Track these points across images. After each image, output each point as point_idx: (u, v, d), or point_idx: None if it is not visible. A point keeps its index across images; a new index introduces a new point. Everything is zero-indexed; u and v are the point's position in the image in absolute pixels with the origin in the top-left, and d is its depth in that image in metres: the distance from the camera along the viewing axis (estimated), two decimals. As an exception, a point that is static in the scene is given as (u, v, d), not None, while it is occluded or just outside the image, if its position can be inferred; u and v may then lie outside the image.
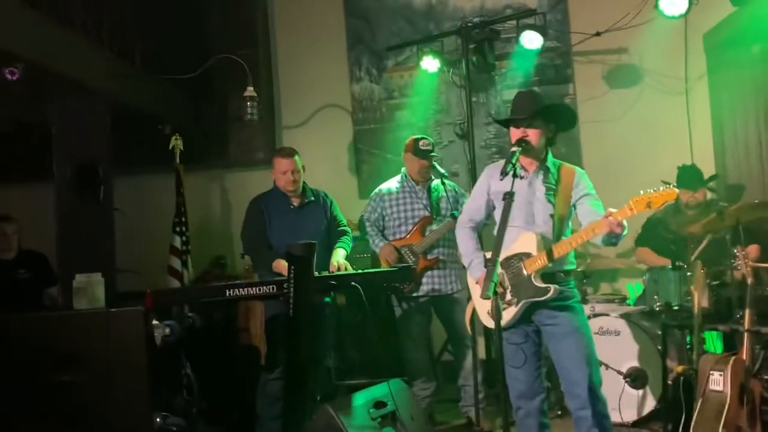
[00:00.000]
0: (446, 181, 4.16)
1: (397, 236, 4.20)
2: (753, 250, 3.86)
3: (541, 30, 4.86)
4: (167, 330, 3.51)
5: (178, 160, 4.94)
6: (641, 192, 2.63)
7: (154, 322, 3.48)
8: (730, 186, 4.95)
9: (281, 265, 3.56)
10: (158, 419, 3.41)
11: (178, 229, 4.94)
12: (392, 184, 4.29)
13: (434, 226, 4.15)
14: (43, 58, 3.73)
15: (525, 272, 2.85)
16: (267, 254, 3.79)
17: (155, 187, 5.34)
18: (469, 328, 3.06)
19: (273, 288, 3.37)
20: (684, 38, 5.04)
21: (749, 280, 3.20)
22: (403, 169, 4.32)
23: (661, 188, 2.59)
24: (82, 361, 3.26)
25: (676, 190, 2.59)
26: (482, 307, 2.95)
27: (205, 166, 5.60)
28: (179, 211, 4.96)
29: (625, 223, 2.68)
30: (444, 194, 4.16)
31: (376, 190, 4.34)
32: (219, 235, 5.64)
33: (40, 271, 4.38)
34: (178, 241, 4.91)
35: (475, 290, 3.03)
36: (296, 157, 3.94)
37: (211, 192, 5.73)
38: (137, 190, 5.30)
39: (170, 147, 4.91)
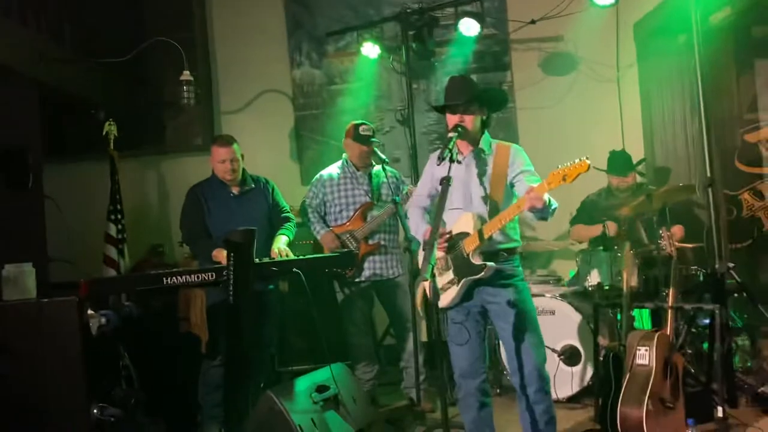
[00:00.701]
0: (387, 168, 4.19)
1: (338, 222, 4.22)
2: (677, 230, 4.06)
3: (479, 17, 4.93)
4: (103, 320, 3.41)
5: (112, 146, 4.80)
6: (558, 167, 2.71)
7: (89, 311, 3.39)
8: (658, 169, 5.17)
9: (221, 255, 3.52)
10: (95, 410, 3.32)
11: (113, 216, 4.82)
12: (333, 170, 4.30)
13: (375, 212, 4.19)
14: (-35, 39, 3.56)
15: (464, 252, 2.91)
16: (206, 243, 3.74)
17: (89, 174, 5.18)
18: (420, 309, 3.10)
19: (212, 275, 3.33)
20: (615, 27, 5.21)
21: (673, 260, 3.37)
22: (344, 155, 4.33)
23: (576, 161, 2.66)
24: (13, 353, 3.15)
25: (588, 161, 2.62)
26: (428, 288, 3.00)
27: (140, 152, 5.45)
28: (114, 199, 4.84)
29: (547, 197, 2.75)
30: (385, 180, 4.19)
31: (317, 175, 4.33)
32: (156, 223, 5.52)
33: None
34: (113, 230, 4.79)
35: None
36: (235, 146, 3.89)
37: (147, 179, 5.60)
38: (70, 177, 5.12)
39: (104, 133, 4.77)
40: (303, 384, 3.42)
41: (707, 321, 3.93)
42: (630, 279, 3.62)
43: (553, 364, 3.97)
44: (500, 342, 4.00)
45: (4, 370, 3.14)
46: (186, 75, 4.31)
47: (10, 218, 3.73)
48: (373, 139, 4.18)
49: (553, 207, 2.84)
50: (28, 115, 4.03)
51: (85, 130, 4.97)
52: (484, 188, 2.97)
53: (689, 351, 3.94)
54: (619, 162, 4.39)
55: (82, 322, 3.30)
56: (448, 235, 2.92)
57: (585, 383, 4.05)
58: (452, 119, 2.98)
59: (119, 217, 4.80)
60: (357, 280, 4.15)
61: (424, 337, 4.41)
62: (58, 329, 3.21)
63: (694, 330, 4.00)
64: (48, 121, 4.30)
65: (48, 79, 4.33)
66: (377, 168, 4.25)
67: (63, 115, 4.88)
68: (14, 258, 3.36)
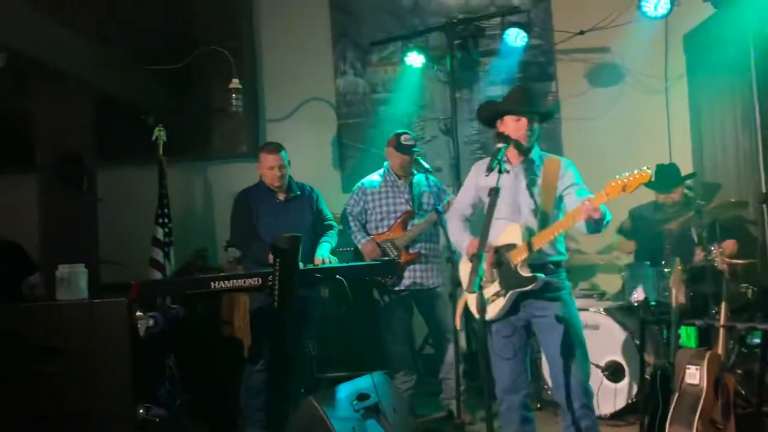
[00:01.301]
0: (429, 176, 4.20)
1: (379, 230, 4.22)
2: (729, 245, 3.94)
3: (526, 28, 4.91)
4: (151, 321, 3.50)
5: (161, 151, 4.90)
6: (617, 177, 2.67)
7: (138, 313, 3.47)
8: (706, 184, 5.05)
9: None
10: (141, 411, 3.40)
11: (160, 220, 4.90)
12: (375, 178, 4.32)
13: (416, 221, 4.18)
14: (28, 48, 3.69)
15: (512, 263, 2.89)
16: (259, 246, 3.79)
17: (138, 178, 5.29)
18: (458, 321, 3.09)
19: (258, 280, 3.37)
20: (664, 38, 5.13)
21: (725, 276, 3.28)
22: (385, 164, 4.34)
23: (636, 171, 2.63)
24: (64, 352, 3.25)
25: (650, 171, 2.60)
26: (472, 300, 2.99)
27: (187, 157, 5.56)
28: (162, 203, 4.93)
29: (604, 209, 2.73)
30: (426, 189, 4.19)
31: (359, 183, 4.36)
32: (201, 227, 5.61)
33: (14, 261, 4.30)
34: (160, 233, 4.87)
35: (467, 282, 3.06)
36: (282, 153, 3.97)
37: (194, 184, 5.71)
38: (120, 180, 5.25)
39: (153, 138, 4.87)
40: (344, 391, 3.43)
41: (757, 341, 3.82)
42: (678, 295, 3.54)
43: (597, 380, 3.91)
44: (541, 356, 3.98)
45: (55, 369, 3.23)
46: (235, 83, 4.39)
47: (65, 220, 3.85)
48: (414, 149, 4.19)
49: (607, 219, 2.81)
50: (84, 120, 4.16)
51: (136, 135, 5.07)
52: (534, 199, 2.94)
53: (739, 371, 3.82)
54: (666, 176, 4.30)
55: (132, 323, 3.38)
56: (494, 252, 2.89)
57: (629, 400, 3.97)
58: (518, 126, 2.94)
59: (166, 221, 4.89)
60: (396, 288, 4.14)
61: (463, 348, 4.38)
62: (108, 330, 3.30)
63: (744, 350, 3.88)
64: (100, 125, 4.41)
65: (102, 85, 4.46)
66: (418, 176, 4.25)
67: (115, 121, 4.99)
68: (68, 259, 3.46)
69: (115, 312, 3.31)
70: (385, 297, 4.20)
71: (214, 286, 3.31)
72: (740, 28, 3.97)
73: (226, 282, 3.33)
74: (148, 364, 3.61)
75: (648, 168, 2.63)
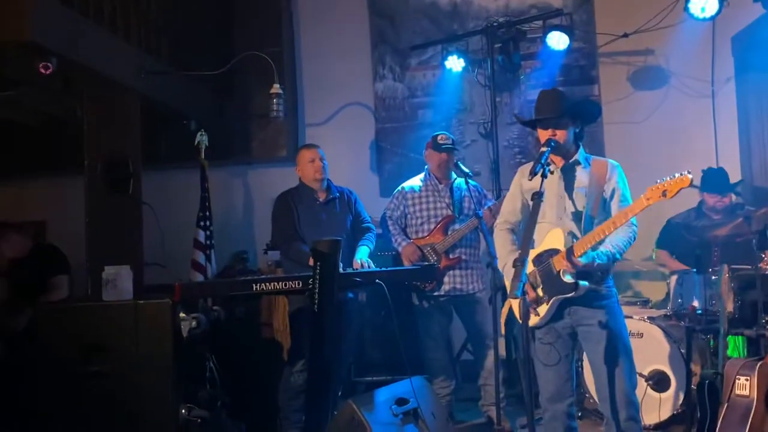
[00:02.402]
0: (470, 181, 4.17)
1: (419, 235, 4.21)
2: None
3: (568, 30, 4.85)
4: (194, 323, 3.54)
5: (203, 156, 4.98)
6: (657, 181, 2.61)
7: (181, 314, 3.52)
8: (756, 189, 4.91)
9: None
10: (183, 411, 3.44)
11: (202, 223, 4.98)
12: (415, 182, 4.31)
13: (456, 226, 4.16)
14: (75, 54, 3.79)
15: (555, 269, 2.84)
16: (299, 248, 3.82)
17: (180, 181, 5.40)
18: (502, 327, 3.06)
19: (299, 283, 3.40)
20: (711, 40, 5.01)
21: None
22: (426, 168, 4.33)
23: (676, 175, 2.56)
24: (110, 352, 3.32)
25: (690, 176, 2.53)
26: (516, 306, 2.95)
27: (228, 162, 5.65)
28: (203, 206, 5.01)
29: (633, 219, 2.68)
30: (467, 193, 4.17)
31: (399, 187, 4.35)
32: (241, 231, 5.69)
33: (49, 262, 4.39)
34: (202, 236, 4.95)
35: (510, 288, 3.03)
36: (319, 150, 4.04)
37: (234, 188, 5.79)
38: (163, 184, 5.35)
39: (195, 143, 4.96)
40: (383, 395, 3.41)
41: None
42: (727, 304, 3.44)
43: (641, 390, 3.80)
44: (584, 364, 3.91)
45: (101, 368, 3.30)
46: (276, 88, 4.42)
47: (112, 222, 3.94)
48: (453, 148, 4.16)
49: (634, 230, 2.81)
50: (130, 125, 4.25)
51: (178, 139, 5.17)
52: (577, 203, 2.89)
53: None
54: (717, 180, 4.18)
55: (175, 324, 3.43)
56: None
57: (674, 410, 3.87)
58: (544, 134, 2.92)
59: (208, 224, 4.96)
60: (436, 293, 4.12)
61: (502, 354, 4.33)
62: (152, 330, 3.37)
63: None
64: (145, 130, 4.50)
65: (146, 90, 4.55)
66: (459, 181, 4.23)
67: (158, 125, 5.09)
68: (113, 260, 3.54)
69: (158, 313, 3.37)
70: (425, 302, 4.18)
71: (256, 288, 3.35)
72: (792, 29, 3.85)
73: (267, 284, 3.37)
74: (191, 364, 3.65)
75: (689, 172, 2.55)
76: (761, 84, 4.89)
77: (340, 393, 4.06)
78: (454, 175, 4.25)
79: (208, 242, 4.93)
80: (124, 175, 3.92)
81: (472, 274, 4.16)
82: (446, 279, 4.12)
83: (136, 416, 3.30)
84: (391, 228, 4.25)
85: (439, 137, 4.19)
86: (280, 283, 3.38)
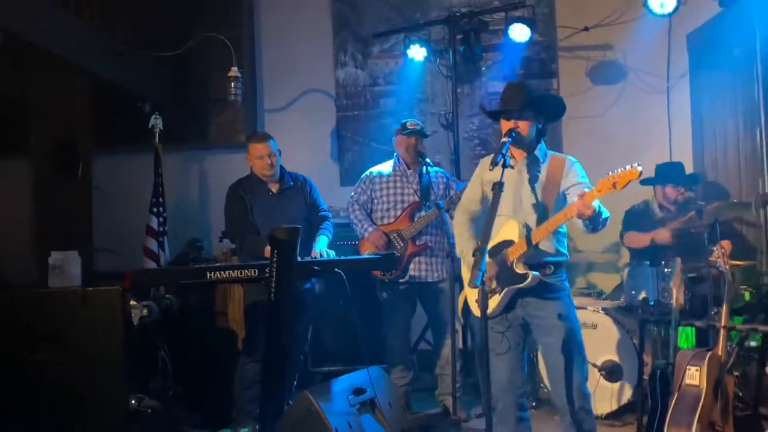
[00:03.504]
0: (438, 168, 4.15)
1: (385, 221, 4.18)
2: (727, 245, 3.92)
3: (529, 23, 4.87)
4: (145, 311, 3.44)
5: (157, 140, 4.84)
6: (608, 173, 2.64)
7: (132, 302, 3.41)
8: (707, 184, 5.03)
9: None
10: (133, 401, 3.35)
11: (155, 209, 4.85)
12: (385, 167, 4.28)
13: (423, 212, 4.13)
14: (23, 29, 3.62)
15: (508, 260, 2.86)
16: (254, 239, 3.75)
17: (134, 165, 5.22)
18: (461, 316, 3.06)
19: (255, 272, 3.33)
20: (668, 37, 5.10)
21: (728, 277, 3.26)
22: (395, 154, 4.30)
23: (627, 167, 2.59)
24: (57, 341, 3.19)
25: (639, 168, 2.56)
26: (472, 296, 2.95)
27: (184, 146, 5.50)
28: (157, 192, 4.87)
29: (597, 204, 2.68)
30: (435, 179, 4.16)
31: (367, 172, 4.31)
32: (196, 218, 5.56)
33: None
34: (155, 222, 4.81)
35: (467, 278, 3.03)
36: (271, 141, 3.92)
37: (190, 173, 5.65)
38: (115, 168, 5.19)
39: (150, 125, 4.81)
40: (340, 385, 3.39)
41: (754, 343, 3.80)
42: (679, 296, 3.51)
43: (593, 380, 3.87)
44: (538, 355, 3.95)
45: (47, 357, 3.17)
46: (234, 71, 4.34)
47: (59, 206, 3.79)
48: (419, 131, 4.16)
49: (604, 216, 2.77)
50: (81, 106, 4.09)
51: (132, 122, 5.01)
52: (536, 196, 2.91)
53: (736, 373, 3.80)
54: (678, 172, 4.27)
55: (125, 311, 3.33)
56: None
57: (625, 400, 3.95)
58: (506, 125, 2.93)
59: (161, 210, 4.83)
60: (401, 281, 4.10)
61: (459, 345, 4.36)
62: (101, 318, 3.24)
63: (741, 352, 3.86)
64: (97, 111, 4.34)
65: (99, 70, 4.39)
66: (429, 168, 4.20)
67: (111, 107, 4.92)
68: (61, 246, 3.41)
69: (108, 300, 3.25)
70: (388, 290, 4.16)
71: (210, 277, 3.26)
72: (746, 28, 3.94)
73: (222, 273, 3.28)
74: (141, 354, 3.55)
75: (639, 164, 2.58)
76: (714, 82, 5.00)
77: (295, 383, 4.02)
78: (421, 160, 4.20)
79: (161, 229, 4.80)
80: (73, 158, 3.77)
81: (437, 262, 4.14)
82: (411, 266, 4.10)
83: (84, 407, 3.18)
84: (357, 212, 4.20)
85: (408, 123, 4.20)
86: (236, 271, 3.29)
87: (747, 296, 4.07)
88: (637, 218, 4.37)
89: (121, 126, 5.19)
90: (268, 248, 3.57)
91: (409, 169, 4.21)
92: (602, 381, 3.97)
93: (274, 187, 3.94)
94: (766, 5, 3.90)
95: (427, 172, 4.13)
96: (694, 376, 3.03)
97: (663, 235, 4.06)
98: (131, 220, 4.97)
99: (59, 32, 4.00)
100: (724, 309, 3.20)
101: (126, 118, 5.15)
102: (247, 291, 3.89)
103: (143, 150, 4.98)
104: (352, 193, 4.29)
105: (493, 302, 2.90)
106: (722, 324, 3.17)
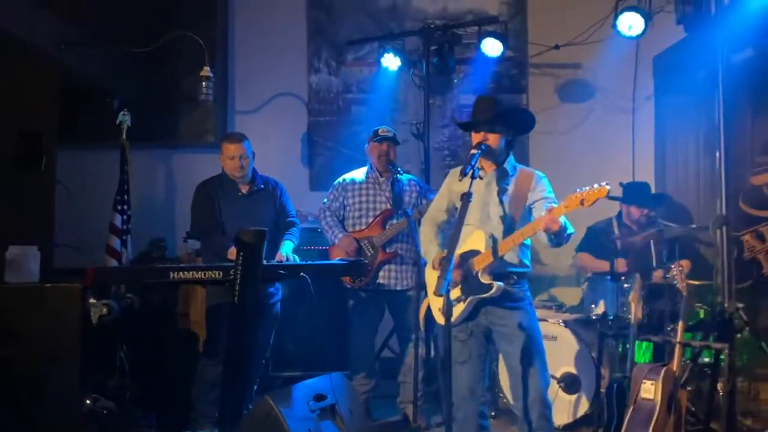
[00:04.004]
0: (411, 176, 4.17)
1: (357, 228, 4.18)
2: (686, 264, 4.02)
3: (502, 38, 4.95)
4: (104, 309, 3.38)
5: (124, 136, 4.76)
6: (577, 190, 2.71)
7: (91, 300, 3.35)
8: (669, 205, 5.16)
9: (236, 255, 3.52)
10: (89, 401, 3.29)
11: (119, 207, 4.76)
12: (358, 174, 4.29)
13: (395, 220, 4.15)
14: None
15: (474, 270, 2.89)
16: (221, 240, 3.72)
17: (100, 162, 5.12)
18: (422, 324, 3.09)
19: (219, 274, 3.31)
20: (635, 59, 5.23)
21: (684, 294, 3.34)
22: (368, 162, 4.31)
23: (595, 186, 2.66)
24: (12, 337, 3.11)
25: (608, 187, 2.64)
26: (435, 304, 2.98)
27: (152, 144, 5.42)
28: (122, 189, 4.78)
29: (566, 221, 2.75)
30: (407, 188, 4.18)
31: (340, 179, 4.31)
32: (161, 217, 5.47)
33: None
34: (118, 220, 4.73)
35: (432, 287, 3.06)
36: (245, 143, 3.91)
37: (157, 172, 5.56)
38: (81, 163, 5.08)
39: (117, 122, 4.73)
40: (301, 391, 3.38)
41: (707, 359, 3.91)
42: (636, 310, 3.60)
43: (552, 391, 3.91)
44: (499, 364, 4.00)
45: (2, 354, 3.09)
46: (206, 71, 4.31)
47: (20, 200, 3.69)
48: (391, 138, 4.18)
49: (569, 232, 2.84)
50: (46, 98, 4.00)
51: (100, 117, 4.93)
52: (502, 208, 2.96)
53: (689, 388, 3.90)
54: (641, 193, 4.38)
55: (84, 309, 3.26)
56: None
57: (583, 412, 4.01)
58: (476, 137, 2.98)
59: (125, 207, 4.75)
60: (370, 288, 4.10)
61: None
62: (58, 315, 3.18)
63: (694, 367, 3.97)
64: (64, 105, 4.25)
65: (66, 62, 4.30)
66: (402, 175, 4.22)
67: (79, 101, 4.83)
68: (21, 240, 3.32)
69: (67, 297, 3.19)
70: (357, 297, 4.16)
71: (173, 277, 3.23)
72: (709, 53, 4.06)
73: (185, 273, 3.26)
74: (99, 353, 3.49)
75: (607, 184, 2.66)
76: (678, 105, 5.14)
77: (256, 387, 3.99)
78: (392, 168, 4.21)
79: (124, 227, 4.72)
80: (36, 151, 3.68)
81: (407, 270, 4.15)
82: (381, 274, 4.11)
83: (39, 406, 3.11)
84: (328, 219, 4.20)
85: (380, 130, 4.23)
86: (200, 272, 3.27)
87: (702, 314, 4.20)
88: (597, 237, 4.46)
89: (88, 121, 5.10)
90: (232, 249, 3.56)
91: (381, 176, 4.23)
92: (561, 393, 4.03)
93: (244, 188, 3.93)
94: (729, 31, 4.02)
95: (399, 180, 4.15)
96: (650, 390, 3.11)
97: (620, 265, 4.14)
98: (95, 217, 4.87)
99: (25, 23, 3.92)
100: (680, 325, 3.29)
101: (93, 114, 5.06)
102: (209, 293, 3.85)
103: (110, 146, 4.89)
104: (325, 200, 4.28)
105: (457, 310, 2.94)
106: (678, 340, 3.26)
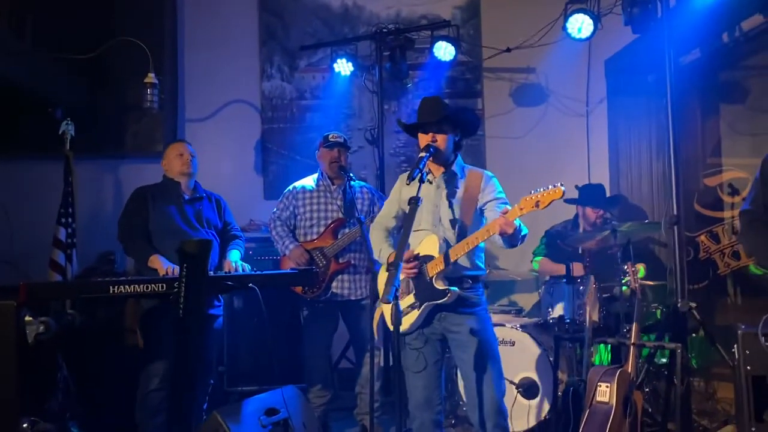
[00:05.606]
0: (363, 183, 4.09)
1: (308, 237, 4.08)
2: (640, 266, 4.05)
3: (454, 42, 4.93)
4: (42, 327, 3.21)
5: (68, 147, 4.59)
6: (532, 192, 2.68)
7: (27, 318, 3.18)
8: (623, 206, 5.19)
9: (158, 263, 3.44)
10: (26, 425, 3.11)
11: (63, 220, 4.57)
12: (308, 182, 4.19)
13: (347, 229, 4.06)
14: None
15: (427, 275, 2.82)
16: (143, 245, 3.60)
17: (41, 173, 4.94)
18: (376, 332, 3.01)
19: (162, 286, 3.17)
20: (587, 62, 5.26)
21: (637, 296, 3.34)
22: (319, 169, 4.22)
23: (549, 187, 2.63)
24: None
25: (562, 188, 2.62)
26: (388, 311, 2.91)
27: (98, 155, 5.25)
28: (66, 201, 4.59)
29: (519, 223, 2.71)
30: (360, 195, 4.10)
31: (290, 187, 4.20)
32: (109, 229, 5.21)
33: None
34: (63, 234, 4.53)
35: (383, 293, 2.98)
36: (189, 146, 3.89)
37: (103, 183, 5.37)
38: (19, 175, 4.89)
39: (60, 132, 4.56)
40: (252, 406, 3.28)
41: (664, 360, 3.91)
42: (592, 313, 3.58)
43: (511, 397, 3.89)
44: (457, 372, 3.93)
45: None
46: (150, 78, 4.17)
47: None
48: (342, 144, 4.10)
49: (523, 233, 2.80)
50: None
51: (41, 127, 4.74)
52: (453, 211, 2.90)
53: (646, 389, 3.90)
54: (597, 194, 4.38)
55: (18, 328, 3.10)
56: (415, 261, 2.82)
57: (542, 417, 3.97)
58: (424, 138, 2.92)
59: (70, 220, 4.57)
60: (323, 299, 4.01)
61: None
62: (-9, 335, 3.01)
63: (651, 368, 3.97)
64: (1, 115, 4.08)
65: (4, 71, 4.13)
66: (353, 183, 4.13)
67: (17, 111, 4.64)
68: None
69: (0, 315, 3.02)
70: (310, 308, 4.06)
71: (114, 291, 3.08)
72: (659, 55, 4.09)
73: (126, 287, 3.11)
74: (37, 373, 3.31)
75: (561, 185, 2.63)
76: (630, 107, 5.18)
77: (206, 405, 3.84)
78: (344, 174, 4.12)
79: (69, 240, 4.53)
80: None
81: (360, 280, 4.06)
82: (334, 284, 4.02)
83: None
84: (279, 229, 4.09)
85: (330, 135, 4.14)
86: (141, 285, 3.13)
87: (658, 314, 4.21)
88: (555, 240, 4.46)
89: (29, 131, 4.91)
90: (154, 258, 3.44)
91: (333, 184, 4.14)
92: (519, 398, 3.97)
93: (187, 192, 3.82)
94: (676, 33, 4.06)
95: (351, 188, 4.07)
96: (605, 393, 3.08)
97: (577, 269, 4.14)
98: (36, 231, 4.67)
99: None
100: (634, 327, 3.27)
101: (34, 124, 4.87)
102: (146, 305, 3.68)
103: (53, 157, 4.71)
104: (275, 209, 4.17)
105: (411, 317, 2.87)
106: (632, 341, 3.24)
